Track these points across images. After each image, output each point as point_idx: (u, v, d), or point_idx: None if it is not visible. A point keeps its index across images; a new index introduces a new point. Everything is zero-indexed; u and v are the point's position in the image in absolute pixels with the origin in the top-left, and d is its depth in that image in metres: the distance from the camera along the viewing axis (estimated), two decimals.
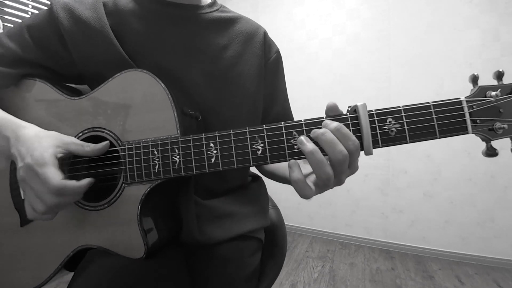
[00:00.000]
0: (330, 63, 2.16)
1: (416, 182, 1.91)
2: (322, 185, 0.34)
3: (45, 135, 0.40)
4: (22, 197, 0.44)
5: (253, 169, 0.70)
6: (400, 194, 1.95)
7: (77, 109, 0.45)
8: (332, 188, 0.36)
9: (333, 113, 0.35)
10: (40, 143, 0.37)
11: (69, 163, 0.44)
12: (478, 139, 0.35)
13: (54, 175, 0.35)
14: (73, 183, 0.37)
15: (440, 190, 1.84)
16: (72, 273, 0.46)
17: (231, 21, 0.57)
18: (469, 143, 1.72)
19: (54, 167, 0.36)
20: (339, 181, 0.35)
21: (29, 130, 0.40)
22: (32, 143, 0.37)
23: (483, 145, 0.35)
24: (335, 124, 0.33)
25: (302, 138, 0.34)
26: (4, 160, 0.46)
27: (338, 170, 0.33)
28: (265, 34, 0.60)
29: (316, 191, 0.35)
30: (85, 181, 0.38)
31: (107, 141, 0.41)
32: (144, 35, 0.49)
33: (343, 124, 0.33)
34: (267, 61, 0.59)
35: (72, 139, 0.41)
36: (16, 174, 0.37)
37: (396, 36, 1.93)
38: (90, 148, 0.40)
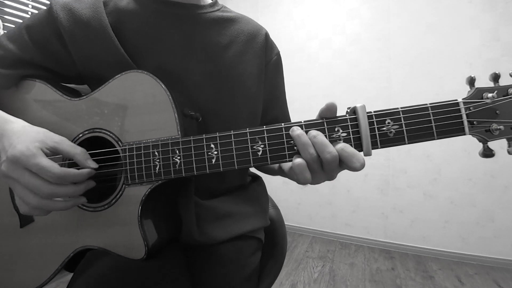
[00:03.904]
0: (330, 63, 2.16)
1: (416, 182, 1.91)
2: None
3: (32, 130, 0.38)
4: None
5: (252, 169, 0.70)
6: (400, 194, 1.95)
7: (77, 110, 0.45)
8: (310, 181, 0.36)
9: (330, 113, 0.36)
10: (26, 136, 0.36)
11: (66, 164, 0.44)
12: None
13: (52, 164, 0.34)
14: (74, 170, 0.36)
15: (440, 190, 1.84)
16: (72, 274, 0.46)
17: (232, 21, 0.57)
18: (469, 143, 1.72)
19: (45, 157, 0.35)
20: (330, 177, 0.37)
21: (16, 125, 0.39)
22: (18, 136, 0.36)
23: (481, 144, 0.35)
24: (314, 132, 0.35)
25: (294, 127, 0.36)
26: None
27: (327, 168, 0.35)
28: (267, 35, 0.60)
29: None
30: (86, 170, 0.38)
31: (95, 166, 0.40)
32: (145, 35, 0.49)
33: (343, 125, 0.35)
34: (267, 63, 0.59)
35: (62, 139, 0.39)
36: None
37: (396, 36, 1.93)
38: (81, 156, 0.38)
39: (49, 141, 0.37)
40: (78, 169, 0.38)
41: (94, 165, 0.39)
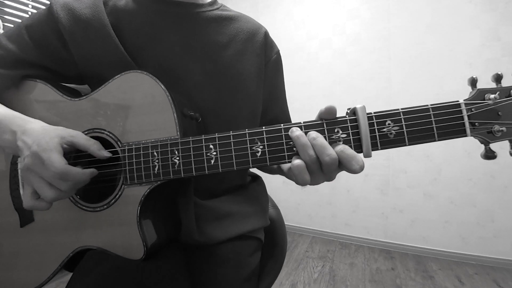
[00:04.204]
0: (330, 63, 2.15)
1: (416, 182, 1.91)
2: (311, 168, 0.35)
3: (51, 128, 0.40)
4: (21, 189, 0.44)
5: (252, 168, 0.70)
6: (400, 194, 1.95)
7: (77, 110, 0.45)
8: (309, 182, 0.36)
9: (329, 116, 0.35)
10: (48, 133, 0.38)
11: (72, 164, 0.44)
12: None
13: (59, 159, 0.36)
14: (76, 169, 0.37)
15: (440, 190, 1.84)
16: (71, 273, 0.46)
17: (232, 20, 0.56)
18: (469, 144, 1.72)
19: (58, 153, 0.36)
20: (329, 178, 0.36)
21: (35, 124, 0.40)
22: (39, 133, 0.38)
23: (482, 146, 0.35)
24: (314, 134, 0.35)
25: (293, 128, 0.36)
26: (5, 156, 0.46)
27: (326, 170, 0.35)
28: (266, 33, 0.59)
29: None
30: (89, 170, 0.39)
31: (109, 155, 0.41)
32: (144, 35, 0.49)
33: (343, 127, 0.35)
34: (267, 62, 0.59)
35: (78, 133, 0.41)
36: (19, 165, 0.37)
37: (396, 36, 1.92)
38: (95, 147, 0.40)
39: (67, 136, 0.39)
40: (86, 167, 0.40)
41: (108, 154, 0.41)
